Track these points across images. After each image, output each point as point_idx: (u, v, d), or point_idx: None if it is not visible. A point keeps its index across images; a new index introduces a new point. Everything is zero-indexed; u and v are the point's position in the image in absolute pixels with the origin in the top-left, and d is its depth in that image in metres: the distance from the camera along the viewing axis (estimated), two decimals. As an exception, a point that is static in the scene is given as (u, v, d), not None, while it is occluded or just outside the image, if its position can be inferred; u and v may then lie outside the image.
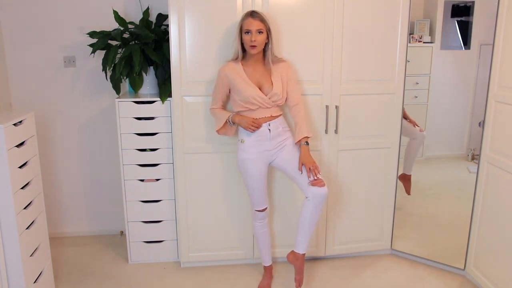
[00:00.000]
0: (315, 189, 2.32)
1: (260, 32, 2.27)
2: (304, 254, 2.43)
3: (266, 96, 2.34)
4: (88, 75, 3.10)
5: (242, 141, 2.41)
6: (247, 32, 2.27)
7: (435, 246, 2.97)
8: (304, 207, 2.37)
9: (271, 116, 2.39)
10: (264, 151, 2.40)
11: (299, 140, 2.39)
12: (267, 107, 2.37)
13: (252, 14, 2.29)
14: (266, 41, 2.33)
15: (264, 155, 2.41)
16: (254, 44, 2.27)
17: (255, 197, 2.48)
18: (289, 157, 2.41)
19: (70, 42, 3.03)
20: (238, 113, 2.41)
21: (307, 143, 2.39)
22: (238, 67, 2.36)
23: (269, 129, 2.38)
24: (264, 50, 2.37)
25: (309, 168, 2.33)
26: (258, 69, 2.38)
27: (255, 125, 2.34)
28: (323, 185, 2.32)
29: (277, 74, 2.38)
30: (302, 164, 2.36)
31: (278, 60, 2.41)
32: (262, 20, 2.28)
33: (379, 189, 2.87)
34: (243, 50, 2.36)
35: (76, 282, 2.73)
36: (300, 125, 2.40)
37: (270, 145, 2.40)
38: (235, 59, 2.38)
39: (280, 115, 2.43)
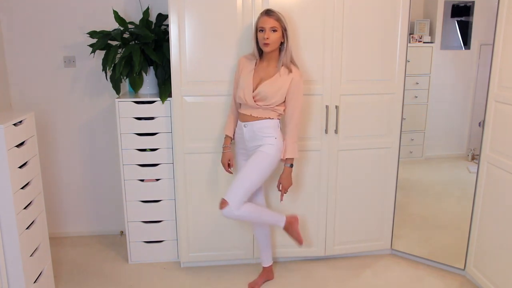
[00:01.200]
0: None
1: (274, 30, 2.23)
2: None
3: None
4: (88, 75, 3.10)
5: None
6: (261, 30, 2.25)
7: (435, 246, 2.97)
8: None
9: (250, 115, 2.35)
10: (244, 149, 2.46)
11: (283, 159, 2.38)
12: (251, 106, 2.34)
13: (267, 12, 2.26)
14: (282, 41, 2.29)
15: (246, 154, 2.45)
16: (266, 41, 2.23)
17: None
18: (247, 162, 2.37)
19: (70, 42, 3.03)
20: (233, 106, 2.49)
21: (291, 165, 2.39)
22: (253, 62, 2.36)
23: (244, 129, 2.39)
24: (280, 50, 2.32)
25: (282, 192, 2.42)
26: (270, 66, 2.34)
27: (224, 167, 2.50)
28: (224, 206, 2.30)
29: (280, 78, 2.31)
30: (280, 183, 2.42)
31: (292, 66, 2.33)
32: (277, 18, 2.24)
33: (379, 189, 2.87)
34: (260, 50, 2.33)
35: (76, 282, 2.73)
36: (286, 142, 2.36)
37: (246, 146, 2.42)
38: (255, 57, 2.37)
39: (265, 118, 2.34)
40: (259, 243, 2.65)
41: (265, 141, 2.33)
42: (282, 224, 2.46)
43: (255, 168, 2.32)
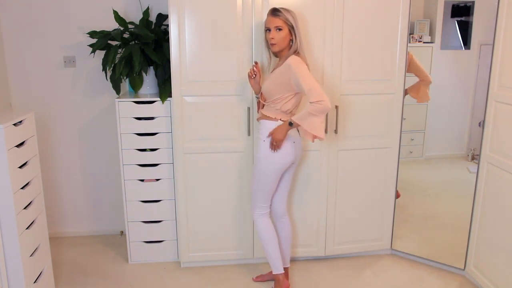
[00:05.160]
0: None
1: (279, 29, 2.21)
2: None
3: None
4: (88, 75, 3.10)
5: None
6: (268, 29, 2.25)
7: (435, 246, 2.97)
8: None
9: (261, 114, 2.40)
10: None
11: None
12: (262, 104, 2.38)
13: (273, 11, 2.23)
14: (291, 38, 2.24)
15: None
16: (272, 42, 2.23)
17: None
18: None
19: (70, 42, 3.03)
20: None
21: (290, 123, 2.21)
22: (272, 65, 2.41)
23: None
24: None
25: (271, 141, 2.27)
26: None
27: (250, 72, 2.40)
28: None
29: (276, 70, 2.28)
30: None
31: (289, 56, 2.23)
32: (282, 17, 2.20)
33: (379, 189, 2.87)
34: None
35: (76, 282, 2.73)
36: (301, 111, 2.21)
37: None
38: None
39: (266, 118, 2.32)
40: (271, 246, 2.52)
41: (258, 144, 2.36)
42: (276, 272, 2.46)
43: (253, 175, 2.42)
